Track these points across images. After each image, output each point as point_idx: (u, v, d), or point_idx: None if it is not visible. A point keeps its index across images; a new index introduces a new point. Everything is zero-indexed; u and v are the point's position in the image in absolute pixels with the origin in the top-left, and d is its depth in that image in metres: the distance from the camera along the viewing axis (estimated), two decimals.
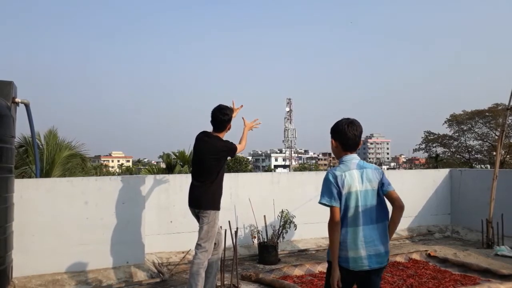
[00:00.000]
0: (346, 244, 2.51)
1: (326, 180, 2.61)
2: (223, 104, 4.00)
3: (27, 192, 4.58)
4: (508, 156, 31.13)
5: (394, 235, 6.96)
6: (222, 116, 3.90)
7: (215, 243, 3.94)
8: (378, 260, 2.53)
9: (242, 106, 4.40)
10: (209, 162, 3.83)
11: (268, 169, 78.10)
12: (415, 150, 40.10)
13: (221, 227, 4.10)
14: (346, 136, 2.62)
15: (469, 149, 35.71)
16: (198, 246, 3.80)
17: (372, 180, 2.58)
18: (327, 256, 2.67)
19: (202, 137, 3.97)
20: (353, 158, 2.63)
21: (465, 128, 35.25)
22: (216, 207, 3.86)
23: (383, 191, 2.60)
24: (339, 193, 2.54)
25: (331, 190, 2.55)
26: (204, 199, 3.83)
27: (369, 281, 2.58)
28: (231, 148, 3.93)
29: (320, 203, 2.59)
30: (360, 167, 2.60)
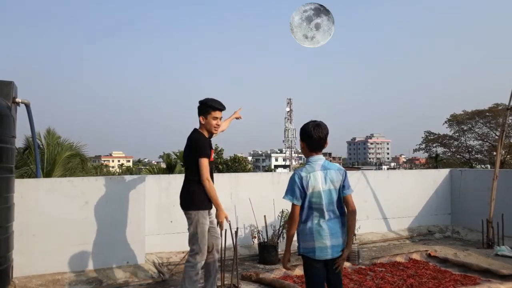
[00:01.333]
0: (312, 236, 2.79)
1: (291, 179, 2.82)
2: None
3: (27, 192, 4.58)
4: (508, 156, 31.11)
5: (394, 235, 7.00)
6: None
7: (209, 246, 3.77)
8: (337, 250, 2.81)
9: (240, 108, 4.52)
10: (184, 159, 3.84)
11: (268, 169, 78.09)
12: (415, 150, 40.12)
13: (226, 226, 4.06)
14: (312, 138, 2.81)
15: (470, 149, 35.70)
16: (190, 249, 3.71)
17: (334, 181, 2.81)
18: (298, 250, 2.98)
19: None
20: (319, 159, 2.84)
21: (465, 128, 35.24)
22: (198, 207, 3.65)
23: (342, 193, 2.85)
24: (302, 193, 2.78)
25: (294, 190, 2.79)
26: (185, 199, 3.72)
27: (329, 270, 2.86)
28: (196, 148, 3.68)
29: (283, 198, 2.85)
30: (324, 168, 2.82)
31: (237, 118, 4.52)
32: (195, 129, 3.81)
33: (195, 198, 3.66)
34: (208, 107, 3.73)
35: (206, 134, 3.79)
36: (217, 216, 3.69)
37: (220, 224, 3.70)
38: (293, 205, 2.80)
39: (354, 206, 2.89)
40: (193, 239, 3.65)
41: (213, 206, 3.76)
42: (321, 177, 2.78)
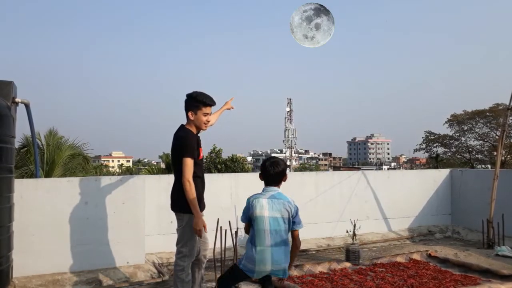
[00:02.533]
0: (254, 260, 3.01)
1: (246, 202, 3.19)
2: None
3: (27, 192, 4.58)
4: (509, 156, 31.11)
5: (395, 235, 7.00)
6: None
7: (197, 250, 3.59)
8: (279, 273, 3.05)
9: (232, 98, 4.33)
10: (172, 159, 3.58)
11: None
12: (415, 150, 40.13)
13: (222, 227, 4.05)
14: (268, 173, 3.14)
15: (470, 149, 35.70)
16: (176, 251, 3.54)
17: (280, 210, 3.05)
18: (238, 263, 3.23)
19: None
20: (271, 190, 3.13)
21: (465, 128, 35.24)
22: (184, 210, 3.46)
23: (292, 227, 3.10)
24: (250, 214, 3.11)
25: (245, 211, 3.18)
26: (176, 201, 3.54)
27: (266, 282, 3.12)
28: (181, 146, 3.44)
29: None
30: (273, 197, 3.09)
31: (228, 109, 4.29)
32: (181, 126, 3.57)
33: (186, 200, 3.46)
34: (198, 102, 3.47)
35: (194, 130, 3.55)
36: (194, 223, 3.37)
37: (197, 233, 3.38)
38: (245, 224, 3.27)
39: (300, 242, 3.17)
40: (183, 241, 3.49)
41: (204, 207, 3.65)
42: (266, 204, 3.05)
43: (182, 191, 3.42)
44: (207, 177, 5.95)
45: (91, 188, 4.89)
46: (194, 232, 3.41)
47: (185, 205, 3.43)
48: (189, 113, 3.51)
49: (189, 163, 3.38)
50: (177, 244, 3.54)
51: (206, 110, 3.51)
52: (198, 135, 3.63)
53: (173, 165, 3.56)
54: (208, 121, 3.58)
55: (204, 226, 3.42)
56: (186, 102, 3.54)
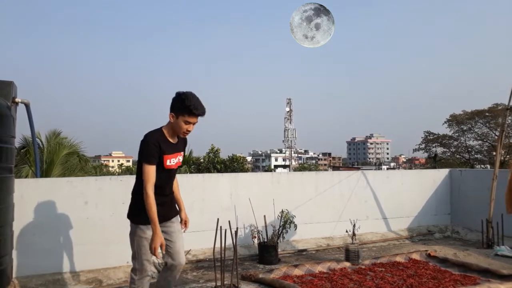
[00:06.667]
0: None
1: None
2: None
3: (27, 192, 4.59)
4: (508, 156, 31.12)
5: (394, 235, 7.01)
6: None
7: (168, 260, 3.21)
8: None
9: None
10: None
11: (268, 169, 78.09)
12: (415, 150, 40.22)
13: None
14: None
15: (469, 149, 35.75)
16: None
17: None
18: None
19: None
20: None
21: (465, 128, 35.31)
22: (133, 220, 3.12)
23: None
24: None
25: None
26: (129, 206, 3.21)
27: None
28: (139, 150, 3.07)
29: None
30: None
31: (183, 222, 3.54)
32: (154, 130, 3.13)
33: (133, 210, 3.14)
34: (184, 107, 3.01)
35: (168, 134, 3.12)
36: (150, 239, 2.97)
37: (152, 250, 2.95)
38: None
39: None
40: (132, 252, 3.14)
41: (175, 215, 3.33)
42: None
43: (135, 197, 3.11)
44: (207, 177, 6.00)
45: (91, 188, 4.90)
46: (149, 249, 2.99)
47: (132, 213, 3.13)
48: (170, 114, 3.07)
49: (146, 169, 2.97)
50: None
51: (190, 119, 3.05)
52: (185, 138, 3.28)
53: (136, 173, 3.17)
54: (189, 131, 3.13)
55: (162, 245, 2.97)
56: (173, 101, 3.08)
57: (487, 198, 6.37)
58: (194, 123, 3.11)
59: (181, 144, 3.29)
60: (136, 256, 3.09)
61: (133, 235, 3.10)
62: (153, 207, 2.93)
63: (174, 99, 3.08)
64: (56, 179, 5.76)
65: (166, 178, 3.17)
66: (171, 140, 3.15)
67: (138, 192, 3.04)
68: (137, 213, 3.07)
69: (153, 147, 3.01)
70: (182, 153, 3.29)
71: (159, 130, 3.12)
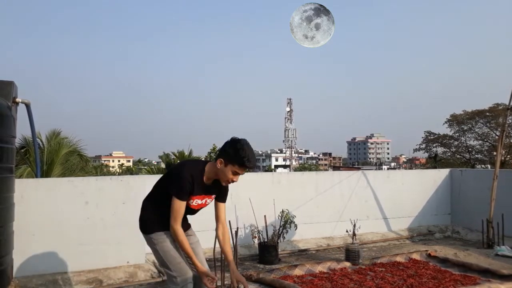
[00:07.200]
0: None
1: None
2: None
3: (27, 192, 4.59)
4: (508, 156, 31.16)
5: (394, 235, 7.01)
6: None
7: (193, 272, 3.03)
8: None
9: None
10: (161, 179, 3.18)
11: (268, 169, 78.13)
12: (415, 150, 40.19)
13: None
14: None
15: (470, 149, 35.74)
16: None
17: None
18: None
19: None
20: None
21: (465, 128, 35.30)
22: (147, 231, 3.08)
23: None
24: None
25: None
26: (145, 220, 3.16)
27: None
28: (170, 181, 2.98)
29: None
30: None
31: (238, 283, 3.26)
32: (195, 164, 3.00)
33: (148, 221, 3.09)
34: (237, 158, 2.81)
35: (208, 175, 2.94)
36: (198, 272, 2.92)
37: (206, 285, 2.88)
38: None
39: None
40: (162, 262, 3.01)
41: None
42: None
43: (147, 213, 3.10)
44: None
45: (92, 188, 4.90)
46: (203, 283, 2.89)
47: (145, 226, 3.08)
48: (219, 160, 2.85)
49: (177, 205, 2.85)
50: (161, 266, 3.05)
51: (240, 170, 2.86)
52: (226, 186, 3.12)
53: (156, 185, 3.13)
54: (234, 181, 2.94)
55: (208, 275, 2.89)
56: (225, 146, 2.89)
57: (487, 198, 6.36)
58: (242, 174, 2.94)
59: (215, 188, 3.06)
60: (167, 263, 2.93)
61: (153, 245, 2.97)
62: (186, 243, 2.88)
63: (227, 145, 2.88)
64: (57, 179, 5.77)
65: (184, 214, 3.00)
66: (206, 180, 2.96)
67: (149, 208, 3.07)
68: (151, 224, 3.01)
69: (187, 184, 2.85)
70: (212, 196, 3.09)
71: (201, 169, 2.93)
